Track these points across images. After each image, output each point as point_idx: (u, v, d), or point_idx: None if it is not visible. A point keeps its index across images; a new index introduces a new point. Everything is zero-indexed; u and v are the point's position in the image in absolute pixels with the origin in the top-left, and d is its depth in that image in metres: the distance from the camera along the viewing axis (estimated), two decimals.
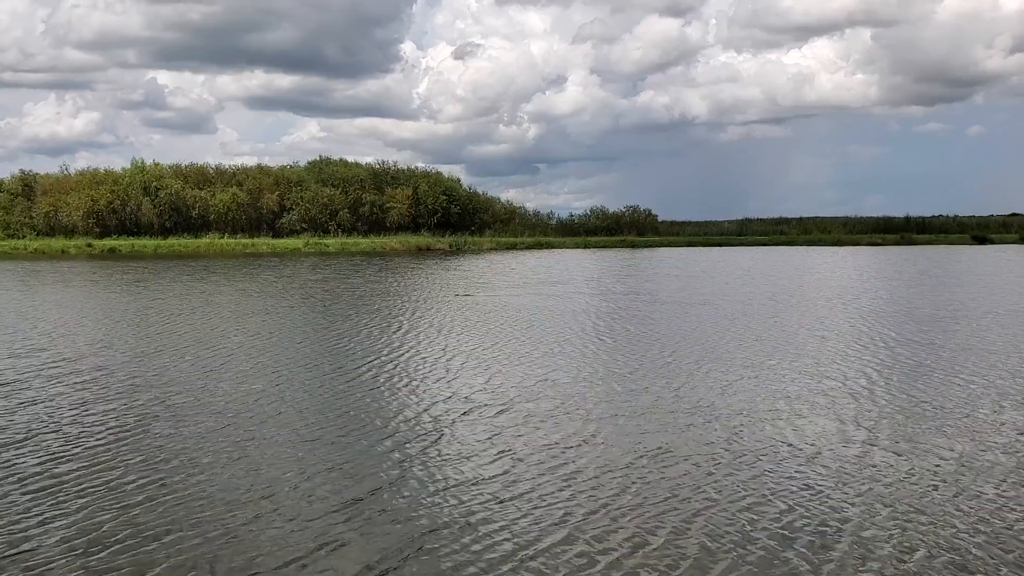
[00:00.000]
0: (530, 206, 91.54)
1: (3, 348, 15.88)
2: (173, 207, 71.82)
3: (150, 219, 70.82)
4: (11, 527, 6.86)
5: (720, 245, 76.92)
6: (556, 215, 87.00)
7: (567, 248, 71.36)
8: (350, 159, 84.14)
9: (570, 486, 7.89)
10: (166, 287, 30.51)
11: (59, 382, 12.62)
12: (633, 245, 75.63)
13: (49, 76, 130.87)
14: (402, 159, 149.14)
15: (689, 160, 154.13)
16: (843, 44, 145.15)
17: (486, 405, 11.08)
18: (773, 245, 77.05)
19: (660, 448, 9.09)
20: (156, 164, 76.96)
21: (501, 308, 22.92)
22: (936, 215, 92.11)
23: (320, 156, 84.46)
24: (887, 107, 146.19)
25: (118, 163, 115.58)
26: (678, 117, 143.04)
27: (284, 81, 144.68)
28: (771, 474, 8.24)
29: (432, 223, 76.19)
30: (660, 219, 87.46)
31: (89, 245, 64.20)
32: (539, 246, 72.79)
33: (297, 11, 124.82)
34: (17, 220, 70.70)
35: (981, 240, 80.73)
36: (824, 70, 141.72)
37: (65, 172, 76.30)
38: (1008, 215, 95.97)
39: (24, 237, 68.27)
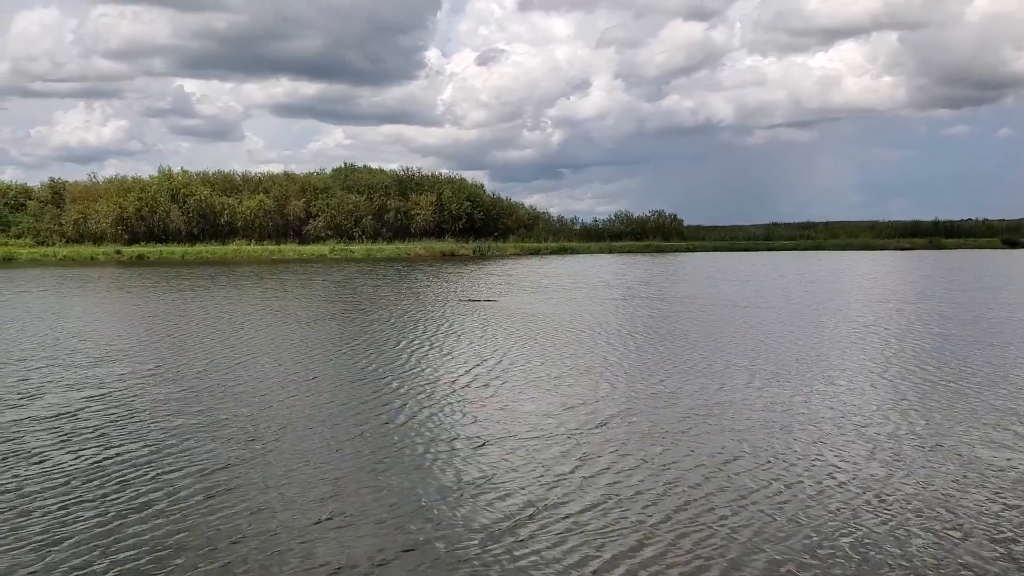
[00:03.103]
0: (554, 211, 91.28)
1: (96, 354, 15.83)
2: (201, 214, 72.02)
3: (178, 226, 70.99)
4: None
5: (747, 250, 76.36)
6: (580, 220, 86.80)
7: (592, 253, 70.93)
8: (375, 166, 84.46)
9: (710, 502, 7.73)
10: (226, 293, 30.41)
11: (158, 389, 12.54)
12: (660, 250, 75.25)
13: (78, 85, 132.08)
14: (426, 165, 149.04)
15: (714, 164, 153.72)
16: (869, 47, 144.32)
17: (603, 415, 10.87)
18: (801, 250, 76.43)
19: (775, 467, 8.87)
20: (184, 172, 77.33)
21: (571, 315, 22.52)
22: (965, 219, 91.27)
23: (345, 163, 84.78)
24: (914, 110, 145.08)
25: (146, 171, 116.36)
26: (703, 121, 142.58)
27: (309, 89, 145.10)
28: (908, 523, 7.95)
29: (456, 229, 76.02)
30: (685, 224, 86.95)
31: (118, 252, 64.36)
32: (563, 251, 72.48)
33: (321, 20, 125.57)
34: (47, 227, 71.02)
35: (1012, 244, 79.79)
36: (850, 73, 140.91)
37: (93, 180, 76.62)
38: None
39: (53, 244, 68.54)
